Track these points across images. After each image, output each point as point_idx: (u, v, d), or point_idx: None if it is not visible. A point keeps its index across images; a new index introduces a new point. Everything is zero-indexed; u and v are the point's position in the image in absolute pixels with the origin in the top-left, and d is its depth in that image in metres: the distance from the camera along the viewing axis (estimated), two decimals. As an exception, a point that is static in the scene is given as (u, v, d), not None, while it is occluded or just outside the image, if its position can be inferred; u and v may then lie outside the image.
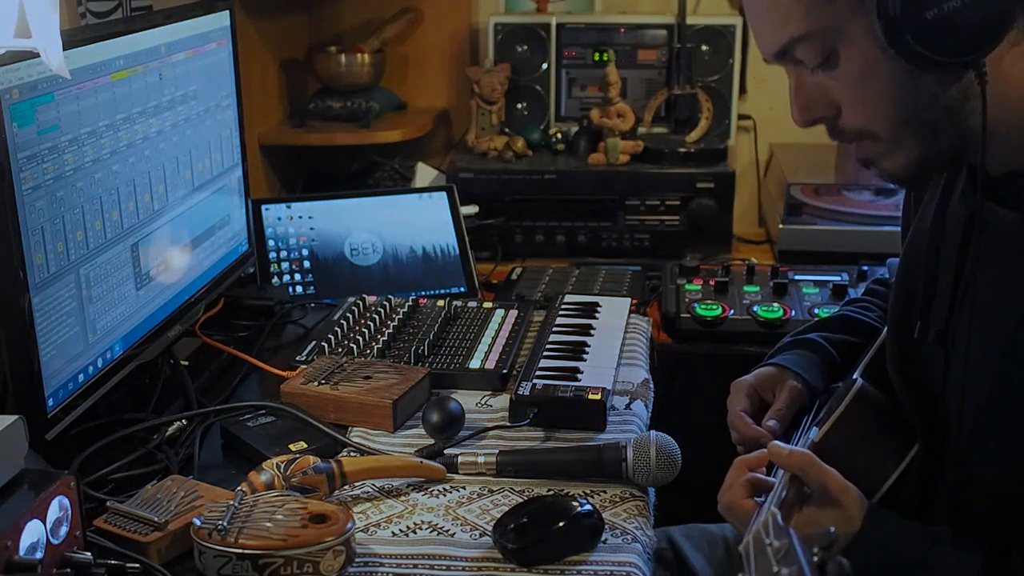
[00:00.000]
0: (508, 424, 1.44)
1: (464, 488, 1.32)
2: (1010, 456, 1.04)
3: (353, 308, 1.77)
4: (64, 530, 1.06)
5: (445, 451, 1.38)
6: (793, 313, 1.95)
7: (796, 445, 1.28)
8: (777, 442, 1.17)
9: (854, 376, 1.25)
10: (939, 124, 1.02)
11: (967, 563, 1.04)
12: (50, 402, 1.30)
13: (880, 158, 1.07)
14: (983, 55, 0.95)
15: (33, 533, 1.01)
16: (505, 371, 1.58)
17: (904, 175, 1.07)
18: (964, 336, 1.09)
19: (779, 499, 1.09)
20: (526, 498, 1.27)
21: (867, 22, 0.96)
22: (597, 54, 2.54)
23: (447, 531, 1.22)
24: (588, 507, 1.20)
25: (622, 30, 2.55)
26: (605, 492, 1.30)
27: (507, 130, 2.51)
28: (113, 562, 1.11)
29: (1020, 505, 1.03)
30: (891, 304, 1.24)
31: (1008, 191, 1.05)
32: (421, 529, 1.23)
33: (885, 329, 1.29)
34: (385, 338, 1.65)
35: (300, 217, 2.00)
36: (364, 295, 1.82)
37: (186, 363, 1.65)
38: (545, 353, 1.60)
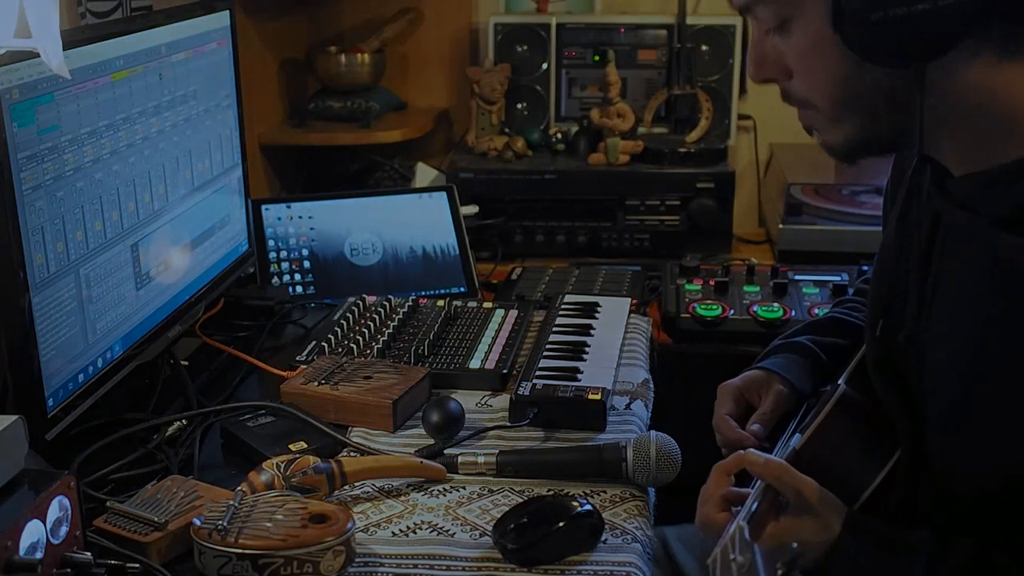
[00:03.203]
0: (508, 424, 1.44)
1: (464, 488, 1.32)
2: (984, 456, 1.04)
3: (353, 308, 1.77)
4: (64, 530, 1.06)
5: (445, 451, 1.38)
6: (793, 313, 1.95)
7: (778, 451, 1.28)
8: (753, 450, 1.17)
9: (839, 381, 1.25)
10: (880, 110, 1.04)
11: (949, 566, 1.04)
12: (50, 402, 1.30)
13: (820, 129, 1.10)
14: (923, 63, 0.97)
15: (33, 533, 1.01)
16: (505, 371, 1.58)
17: (839, 150, 1.10)
18: (932, 334, 1.09)
19: (749, 512, 1.09)
20: (526, 498, 1.27)
21: (823, 1, 0.97)
22: (597, 54, 2.54)
23: (447, 531, 1.22)
24: (588, 507, 1.21)
25: (622, 30, 2.55)
26: (605, 492, 1.30)
27: (507, 130, 2.51)
28: (113, 562, 1.11)
29: (999, 505, 1.03)
30: (867, 305, 1.25)
31: (970, 192, 1.05)
32: (421, 529, 1.23)
33: None
34: (385, 338, 1.65)
35: (300, 217, 2.00)
36: (364, 295, 1.82)
37: (186, 363, 1.65)
38: (545, 353, 1.60)
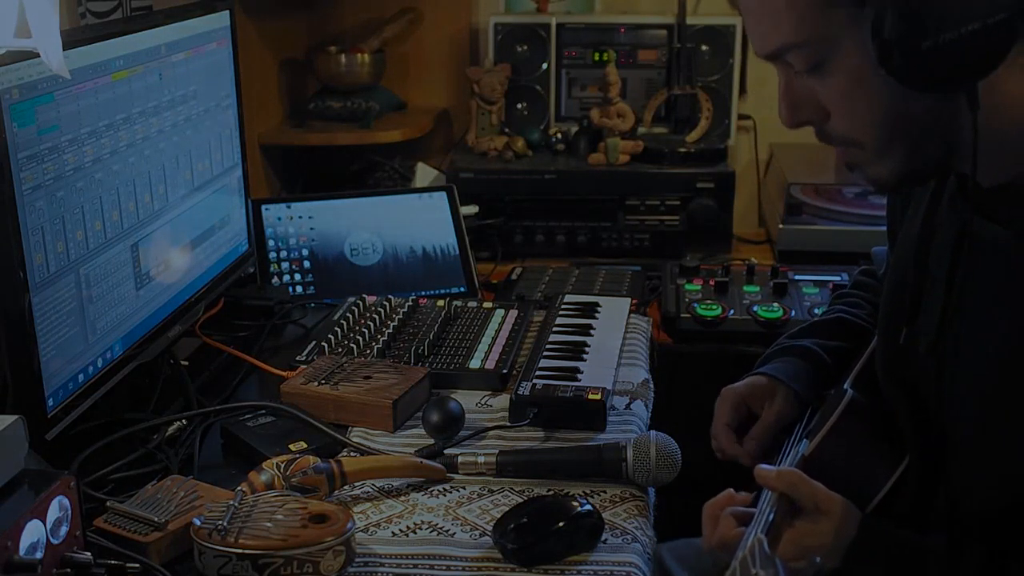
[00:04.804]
0: (508, 424, 1.44)
1: (464, 488, 1.32)
2: (1006, 466, 1.03)
3: (353, 308, 1.77)
4: (64, 530, 1.06)
5: (445, 451, 1.38)
6: (793, 313, 1.95)
7: (786, 457, 1.28)
8: (762, 465, 1.17)
9: (844, 386, 1.25)
10: (926, 138, 1.02)
11: (962, 572, 1.04)
12: (50, 402, 1.29)
13: (865, 165, 1.07)
14: (975, 82, 0.94)
15: (33, 533, 1.01)
16: (505, 371, 1.58)
17: (887, 183, 1.08)
18: (957, 347, 1.09)
19: (766, 523, 1.09)
20: (526, 498, 1.27)
21: (861, 36, 0.95)
22: (597, 54, 2.54)
23: (447, 531, 1.22)
24: (588, 507, 1.20)
25: (622, 30, 2.55)
26: (605, 492, 1.30)
27: (507, 130, 2.51)
28: (113, 562, 1.11)
29: (1016, 515, 1.03)
30: (881, 311, 1.24)
31: (998, 204, 1.04)
32: (421, 529, 1.23)
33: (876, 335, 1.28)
34: (385, 338, 1.65)
35: (300, 217, 2.00)
36: (364, 295, 1.82)
37: (186, 363, 1.65)
38: (545, 353, 1.60)
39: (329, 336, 1.67)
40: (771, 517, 1.09)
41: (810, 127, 1.09)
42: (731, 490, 1.21)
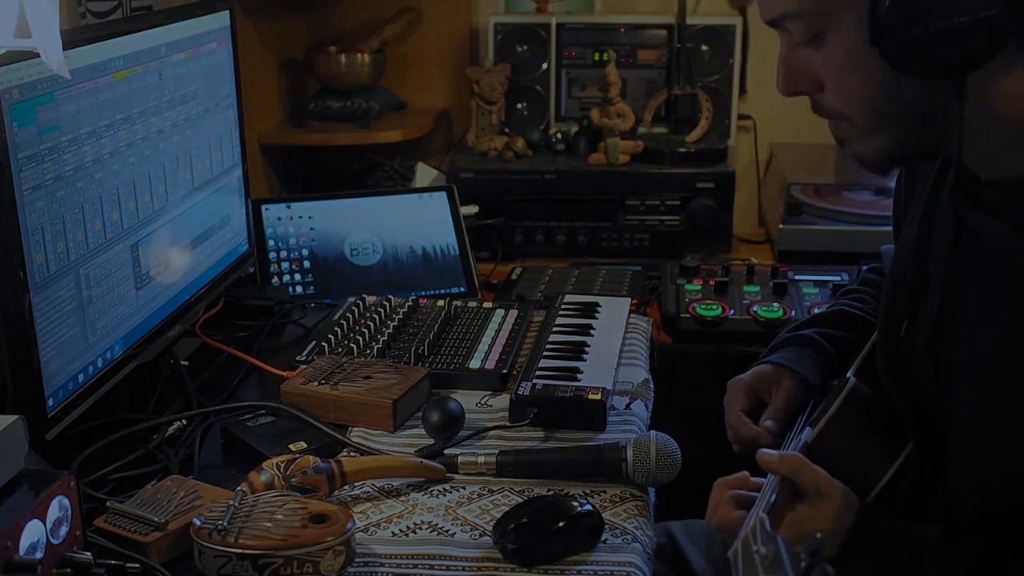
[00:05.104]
0: (508, 424, 1.44)
1: (464, 488, 1.32)
2: (1005, 465, 1.04)
3: (353, 308, 1.77)
4: (64, 530, 1.06)
5: (445, 451, 1.38)
6: (793, 313, 1.95)
7: (789, 445, 1.29)
8: (764, 450, 1.17)
9: (848, 375, 1.25)
10: (918, 123, 1.03)
11: (957, 565, 1.04)
12: (50, 402, 1.30)
13: (854, 141, 1.08)
14: (963, 76, 0.96)
15: (33, 533, 1.01)
16: (505, 371, 1.58)
17: (873, 161, 1.09)
18: (955, 344, 1.09)
19: (768, 504, 1.09)
20: (526, 498, 1.27)
21: (859, 15, 0.97)
22: (597, 54, 2.54)
23: (447, 531, 1.22)
24: (588, 507, 1.20)
25: (622, 30, 2.55)
26: (605, 492, 1.30)
27: (507, 130, 2.51)
28: (113, 562, 1.11)
29: (1012, 509, 1.03)
30: (881, 307, 1.25)
31: (995, 199, 1.04)
32: (421, 529, 1.23)
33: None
34: (385, 338, 1.65)
35: (300, 217, 2.00)
36: (364, 295, 1.82)
37: (186, 363, 1.65)
38: (545, 353, 1.60)
39: (329, 336, 1.67)
40: (773, 499, 1.10)
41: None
42: (747, 473, 1.21)
